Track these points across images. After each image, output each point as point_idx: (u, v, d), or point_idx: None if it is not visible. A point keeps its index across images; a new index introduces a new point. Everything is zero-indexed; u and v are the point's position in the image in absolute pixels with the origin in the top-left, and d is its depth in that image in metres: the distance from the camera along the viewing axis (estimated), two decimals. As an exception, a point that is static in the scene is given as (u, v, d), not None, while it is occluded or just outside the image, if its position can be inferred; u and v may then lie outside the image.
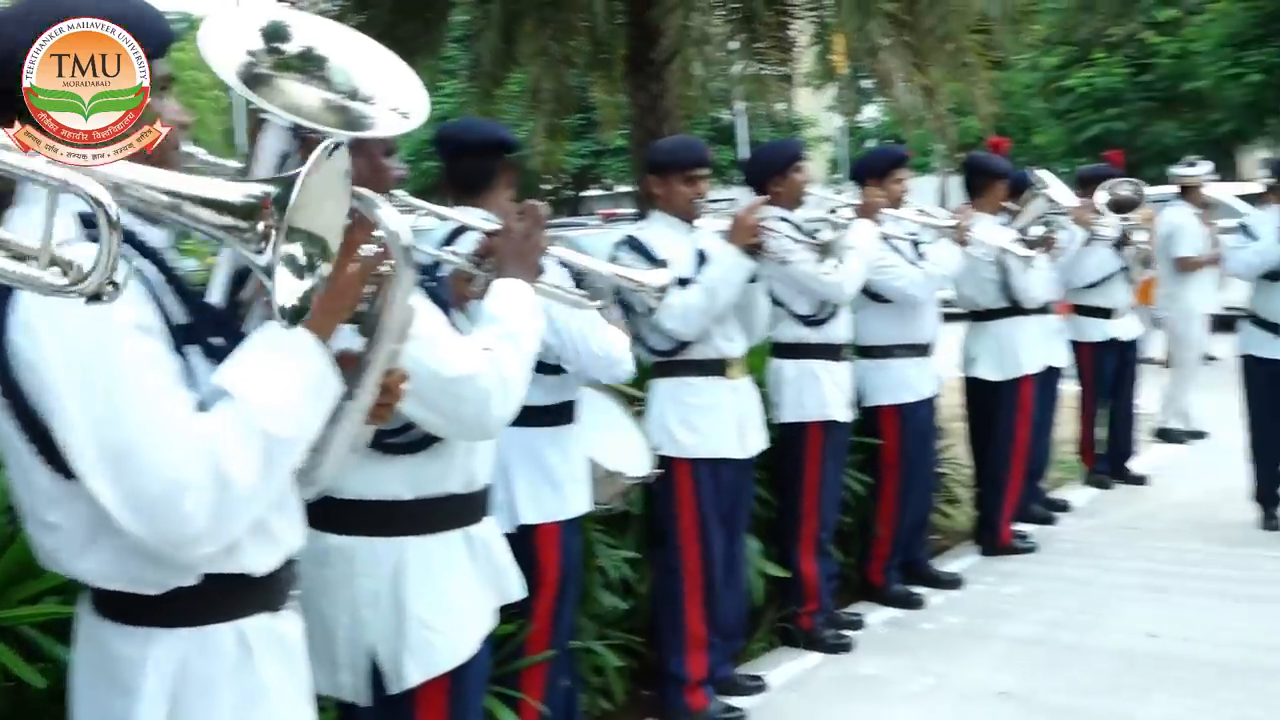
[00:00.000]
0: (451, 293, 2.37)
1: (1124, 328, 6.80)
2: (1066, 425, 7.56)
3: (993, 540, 5.60)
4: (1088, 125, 26.46)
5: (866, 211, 4.41)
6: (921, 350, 4.92)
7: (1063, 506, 6.50)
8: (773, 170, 4.32)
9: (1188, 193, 7.98)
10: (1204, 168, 8.08)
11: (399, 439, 2.12)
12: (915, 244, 4.89)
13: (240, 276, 1.67)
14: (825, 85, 13.05)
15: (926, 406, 4.96)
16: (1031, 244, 5.26)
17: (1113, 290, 6.66)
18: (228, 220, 1.37)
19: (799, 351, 4.27)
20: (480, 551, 2.27)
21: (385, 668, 2.11)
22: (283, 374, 1.48)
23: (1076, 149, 27.09)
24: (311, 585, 1.96)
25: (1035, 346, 5.47)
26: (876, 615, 4.89)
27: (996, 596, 5.12)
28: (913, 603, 4.93)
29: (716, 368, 3.76)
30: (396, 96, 1.78)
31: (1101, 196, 6.68)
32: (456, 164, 2.89)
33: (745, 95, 10.26)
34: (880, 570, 4.98)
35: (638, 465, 3.35)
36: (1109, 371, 6.83)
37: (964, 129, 26.48)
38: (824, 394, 4.26)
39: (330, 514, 2.07)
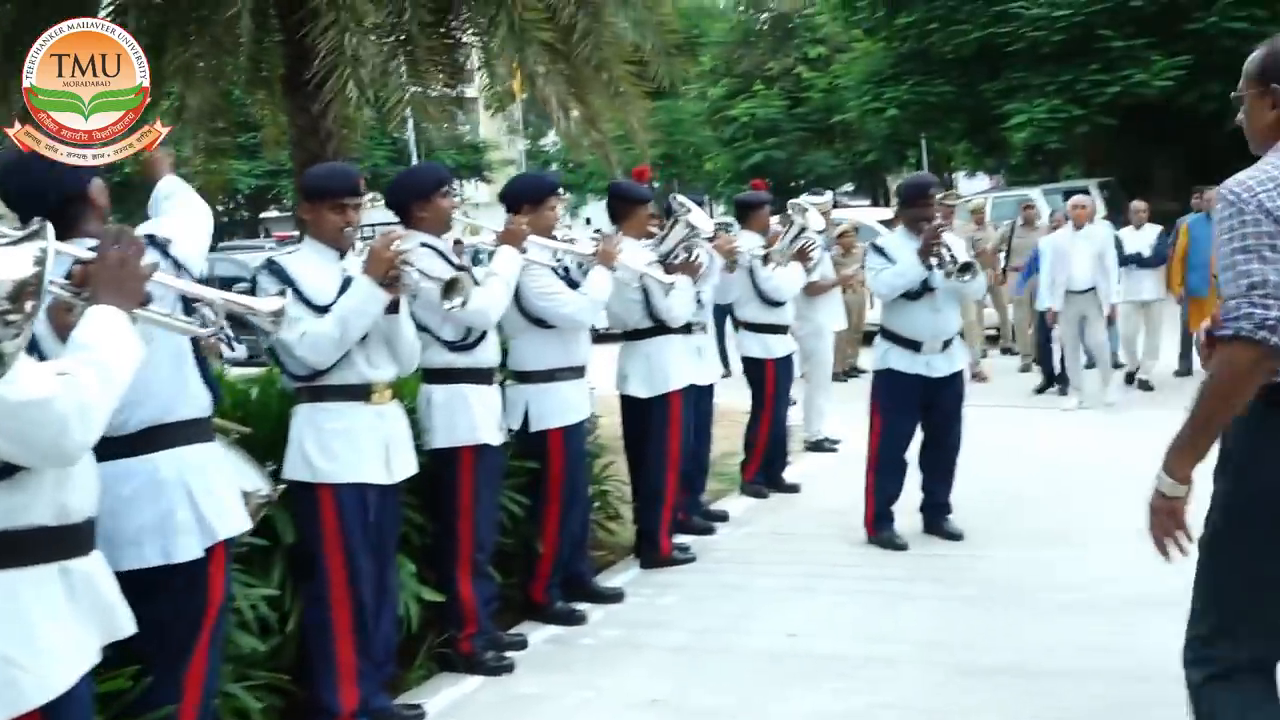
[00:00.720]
0: (52, 321, 2.32)
1: (789, 344, 7.30)
2: (730, 439, 8.02)
3: (653, 553, 5.77)
4: (751, 153, 28.03)
5: (510, 239, 4.47)
6: (580, 372, 5.03)
7: (721, 517, 6.80)
8: (416, 195, 4.32)
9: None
10: (827, 196, 8.78)
11: (-25, 469, 2.00)
12: (579, 267, 5.01)
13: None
14: (504, 109, 13.20)
15: (582, 427, 5.08)
16: (673, 267, 5.49)
17: (785, 309, 7.17)
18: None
19: (448, 376, 4.27)
20: (80, 586, 2.20)
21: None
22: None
23: (742, 175, 28.65)
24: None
25: (682, 364, 5.68)
26: (539, 634, 4.93)
27: (654, 608, 5.28)
28: (574, 619, 5.01)
29: (359, 392, 3.70)
30: None
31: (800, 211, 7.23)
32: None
33: (416, 118, 10.22)
34: (543, 589, 5.03)
35: (259, 485, 3.29)
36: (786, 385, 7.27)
37: (635, 155, 27.52)
38: (474, 418, 4.27)
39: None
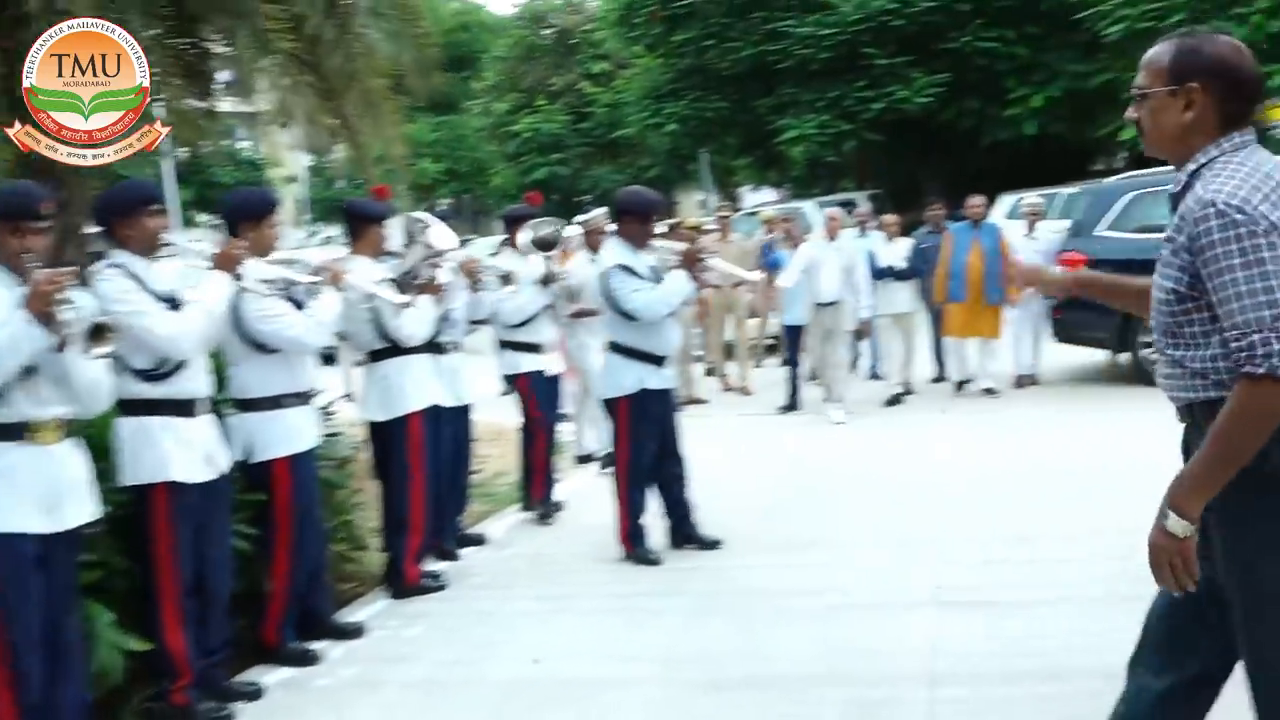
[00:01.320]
0: None
1: (550, 362, 7.12)
2: (506, 458, 7.86)
3: (399, 582, 5.56)
4: (535, 168, 27.98)
5: (224, 262, 4.21)
6: (306, 398, 4.79)
7: (477, 540, 6.63)
8: (119, 213, 3.99)
9: (588, 236, 8.51)
10: (598, 212, 8.70)
11: None
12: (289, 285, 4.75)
13: None
14: (285, 124, 12.70)
15: (312, 454, 4.84)
16: (410, 287, 5.31)
17: (539, 327, 6.99)
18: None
19: (138, 408, 3.96)
20: None
21: None
22: None
23: (526, 189, 28.54)
24: None
25: (422, 385, 5.49)
26: (272, 677, 4.65)
27: (399, 640, 5.08)
28: (308, 660, 4.75)
29: (17, 432, 3.38)
30: None
31: (525, 236, 7.00)
32: None
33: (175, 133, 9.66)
34: (275, 630, 4.76)
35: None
36: (549, 402, 7.12)
37: (420, 171, 27.07)
38: (164, 453, 3.97)
39: None
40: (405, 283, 5.40)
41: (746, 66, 21.88)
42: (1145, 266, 8.71)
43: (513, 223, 7.53)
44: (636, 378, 5.88)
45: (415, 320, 5.30)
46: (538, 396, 6.99)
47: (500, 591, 5.75)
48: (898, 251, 10.66)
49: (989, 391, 10.27)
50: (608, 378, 5.95)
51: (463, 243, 6.94)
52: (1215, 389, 2.46)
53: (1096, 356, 11.01)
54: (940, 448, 8.42)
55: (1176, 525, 2.41)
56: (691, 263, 5.90)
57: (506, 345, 7.01)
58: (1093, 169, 23.10)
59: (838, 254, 9.72)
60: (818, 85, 21.18)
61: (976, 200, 10.27)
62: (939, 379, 10.93)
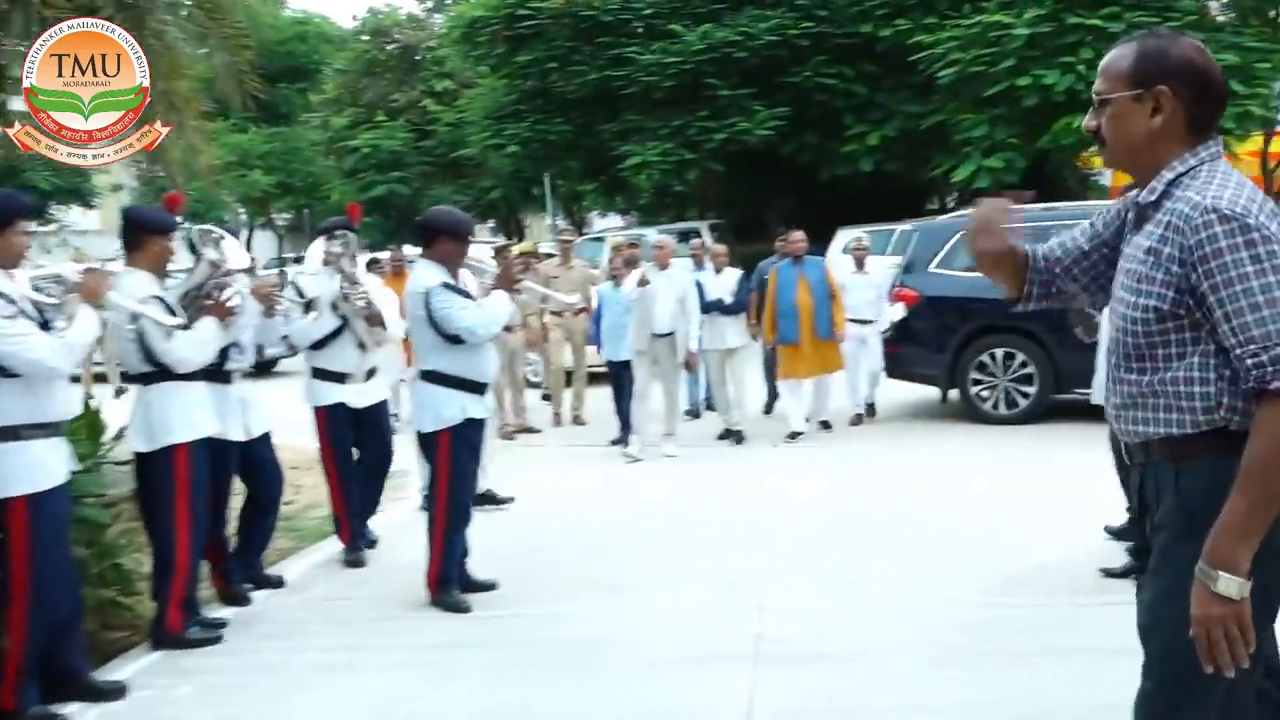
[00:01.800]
0: None
1: (357, 393, 6.45)
2: (320, 489, 7.30)
3: (159, 632, 4.98)
4: (374, 185, 27.18)
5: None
6: (55, 429, 4.21)
7: (276, 582, 6.09)
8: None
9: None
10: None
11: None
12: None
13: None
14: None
15: (63, 491, 4.25)
16: (193, 308, 4.78)
17: (342, 353, 6.40)
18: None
19: None
20: None
21: None
22: None
23: (365, 207, 27.74)
24: None
25: (190, 415, 4.93)
26: (8, 748, 4.06)
27: (164, 701, 4.52)
28: (54, 726, 4.16)
29: None
30: None
31: (317, 250, 6.56)
32: None
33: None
34: (12, 692, 4.15)
35: None
36: (347, 437, 6.53)
37: (250, 182, 26.01)
38: None
39: None
40: (190, 302, 4.86)
41: (591, 91, 21.67)
42: (973, 304, 8.59)
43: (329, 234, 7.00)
44: (459, 407, 5.47)
45: (189, 344, 4.76)
46: (330, 431, 6.42)
47: (288, 642, 5.22)
48: (725, 284, 10.14)
49: (824, 425, 10.16)
50: (425, 409, 5.50)
51: (297, 260, 6.44)
52: (1194, 416, 2.24)
53: (932, 392, 11.02)
54: (773, 484, 8.21)
55: (1229, 585, 2.10)
56: (509, 284, 5.57)
57: (315, 372, 6.48)
58: (929, 208, 23.66)
59: (670, 283, 9.40)
60: (661, 113, 21.09)
61: (796, 235, 9.99)
62: (769, 410, 10.77)
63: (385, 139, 27.53)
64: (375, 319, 6.38)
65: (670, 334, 9.40)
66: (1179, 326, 2.23)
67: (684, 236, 18.90)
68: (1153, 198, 2.32)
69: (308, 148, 28.84)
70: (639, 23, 21.43)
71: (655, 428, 9.60)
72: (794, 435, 9.83)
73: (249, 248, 35.32)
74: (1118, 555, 5.76)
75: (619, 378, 9.86)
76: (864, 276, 10.40)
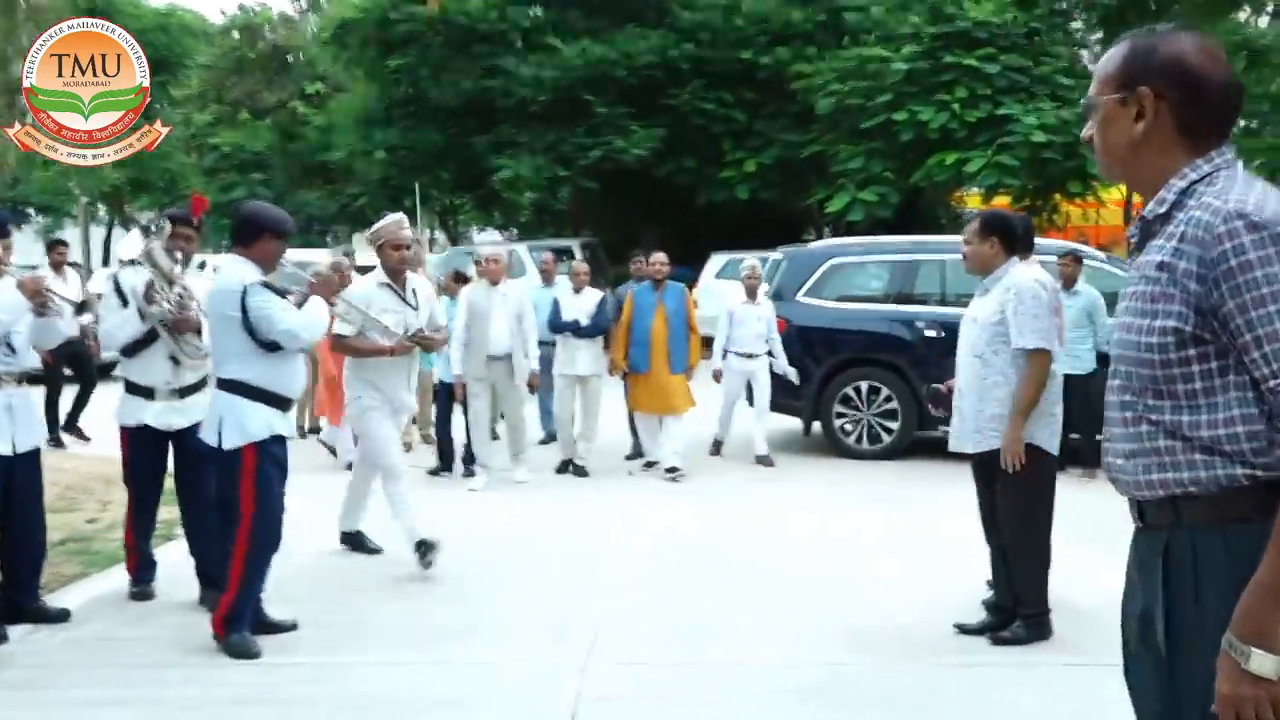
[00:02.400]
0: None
1: (165, 412, 5.55)
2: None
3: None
4: (233, 185, 25.99)
5: None
6: None
7: (59, 616, 5.34)
8: None
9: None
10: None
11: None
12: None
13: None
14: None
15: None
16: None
17: (150, 365, 5.54)
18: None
19: None
20: None
21: None
22: None
23: (223, 208, 26.52)
24: None
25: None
26: None
27: None
28: None
29: None
30: None
31: (127, 247, 5.81)
32: None
33: None
34: None
35: None
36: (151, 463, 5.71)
37: (100, 176, 24.59)
38: None
39: None
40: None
41: (464, 101, 21.01)
42: (839, 335, 8.14)
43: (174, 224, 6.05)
44: (265, 422, 4.87)
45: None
46: (131, 455, 5.66)
47: (32, 693, 4.49)
48: (583, 305, 9.35)
49: (671, 472, 9.03)
50: (226, 423, 4.85)
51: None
52: (1229, 466, 1.82)
53: (796, 424, 10.62)
54: (624, 518, 7.67)
55: (1264, 663, 1.74)
56: (328, 293, 5.01)
57: (126, 385, 5.69)
58: (804, 237, 23.56)
59: (504, 301, 8.65)
60: (536, 128, 20.55)
61: (658, 257, 9.26)
62: (634, 455, 9.70)
63: (249, 139, 26.33)
64: (187, 326, 5.48)
65: (507, 355, 8.65)
66: (1203, 355, 1.84)
67: (559, 254, 18.40)
68: (1162, 209, 1.96)
69: (165, 143, 27.46)
70: (516, 34, 20.86)
71: (502, 458, 8.98)
72: (650, 464, 9.28)
73: (107, 246, 33.62)
74: (974, 609, 5.36)
75: (444, 401, 9.25)
76: (753, 307, 9.54)
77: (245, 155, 26.13)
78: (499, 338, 8.59)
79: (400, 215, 6.67)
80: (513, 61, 20.28)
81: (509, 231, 33.77)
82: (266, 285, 4.89)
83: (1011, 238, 5.11)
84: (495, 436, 9.53)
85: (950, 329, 9.65)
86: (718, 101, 20.43)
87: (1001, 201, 19.15)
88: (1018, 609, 5.06)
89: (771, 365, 9.55)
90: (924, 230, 16.63)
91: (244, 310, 4.78)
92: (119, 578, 6.12)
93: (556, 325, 9.20)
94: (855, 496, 8.35)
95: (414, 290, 6.51)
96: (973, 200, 22.51)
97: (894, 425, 9.86)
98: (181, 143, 28.37)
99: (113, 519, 7.68)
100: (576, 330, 9.24)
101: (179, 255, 5.47)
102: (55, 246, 10.86)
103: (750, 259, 10.22)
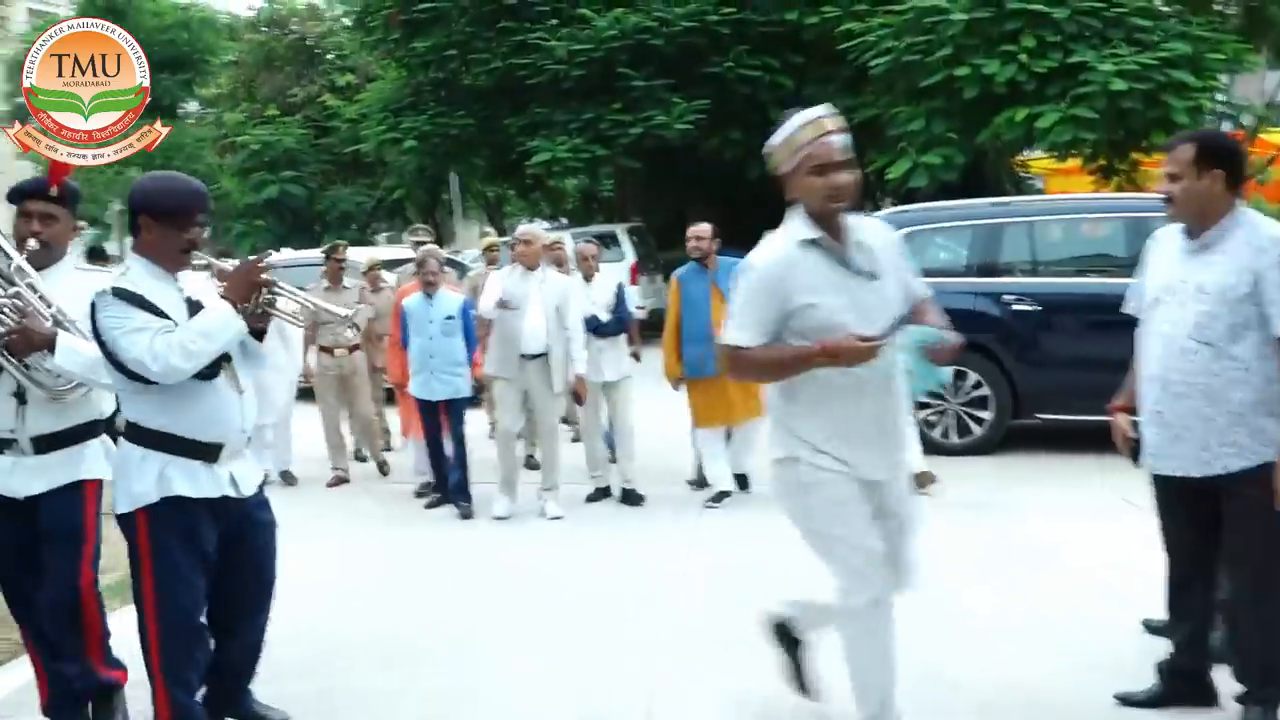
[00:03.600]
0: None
1: (10, 472, 4.00)
2: None
3: None
4: (265, 184, 25.09)
5: None
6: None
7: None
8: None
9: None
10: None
11: None
12: None
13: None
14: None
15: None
16: None
17: None
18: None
19: None
20: None
21: None
22: None
23: (256, 210, 25.75)
24: None
25: None
26: None
27: None
28: None
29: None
30: None
31: None
32: None
33: None
34: None
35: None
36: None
37: (127, 180, 23.80)
38: None
39: None
40: None
41: (494, 81, 19.90)
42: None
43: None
44: (155, 478, 3.56)
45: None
46: None
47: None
48: (598, 295, 7.89)
49: (741, 483, 7.62)
50: (117, 481, 3.69)
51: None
52: None
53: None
54: (679, 562, 6.51)
55: None
56: (243, 293, 3.61)
57: None
58: (863, 208, 22.20)
59: (540, 289, 7.33)
60: (571, 106, 19.38)
61: (700, 230, 7.66)
62: (699, 483, 7.95)
63: (280, 135, 25.43)
64: (25, 344, 3.83)
65: (543, 354, 7.32)
66: None
67: (603, 241, 17.27)
68: None
69: (192, 144, 26.67)
70: (545, 6, 19.67)
71: (508, 487, 7.59)
72: (720, 497, 7.51)
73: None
74: (1126, 666, 4.15)
75: (431, 424, 7.77)
76: None
77: (274, 153, 25.21)
78: (534, 332, 7.28)
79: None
80: (542, 35, 19.11)
81: (557, 221, 32.74)
82: (123, 294, 3.50)
83: (1239, 171, 3.73)
84: (531, 462, 8.41)
85: (1043, 301, 8.52)
86: (763, 67, 19.14)
87: (1072, 164, 17.72)
88: (1253, 686, 3.73)
89: None
90: (990, 195, 15.31)
91: (95, 330, 3.53)
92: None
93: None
94: (940, 502, 7.15)
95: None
96: (1039, 163, 21.04)
97: (985, 415, 8.63)
98: (213, 143, 27.62)
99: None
100: (595, 328, 7.74)
101: (34, 243, 3.89)
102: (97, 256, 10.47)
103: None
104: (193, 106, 31.73)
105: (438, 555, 6.63)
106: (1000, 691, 4.14)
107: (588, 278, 8.01)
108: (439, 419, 7.70)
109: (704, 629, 5.05)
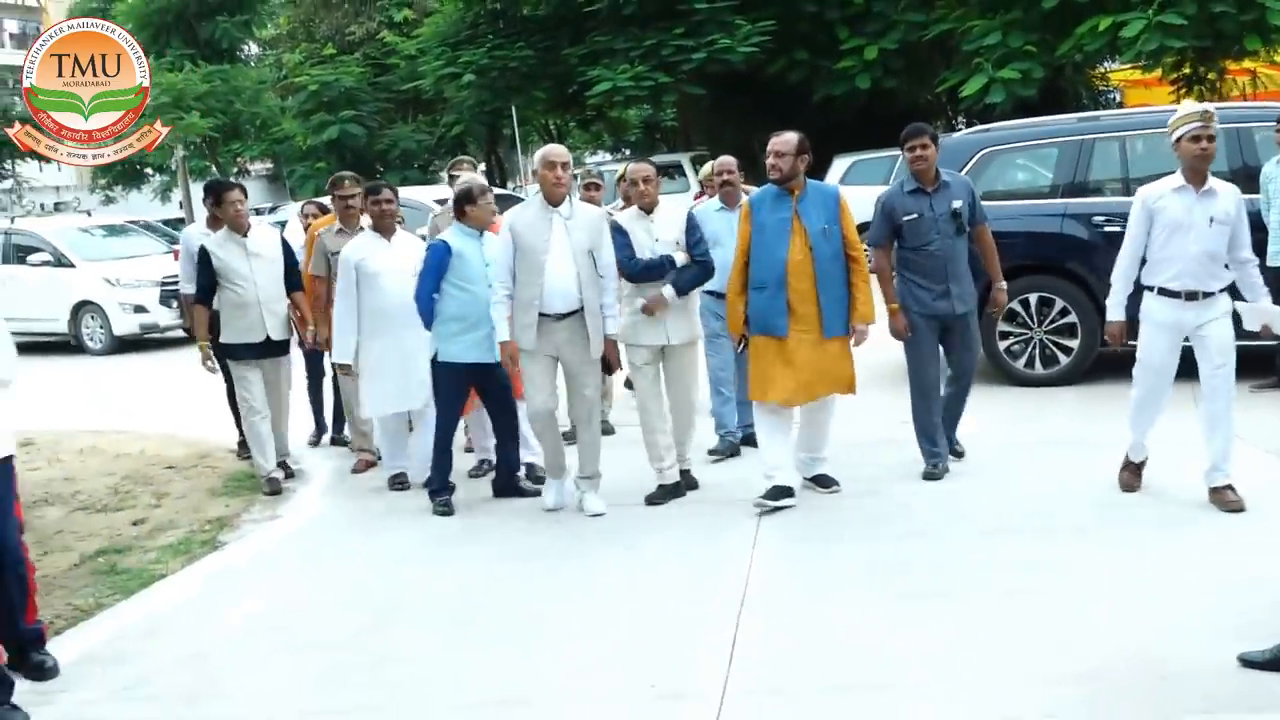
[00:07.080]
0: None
1: None
2: None
3: None
4: (325, 126, 24.90)
5: None
6: None
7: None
8: None
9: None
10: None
11: None
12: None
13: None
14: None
15: None
16: None
17: None
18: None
19: None
20: None
21: None
22: None
23: (316, 151, 25.58)
24: None
25: None
26: None
27: None
28: None
29: None
30: None
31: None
32: None
33: None
34: None
35: None
36: None
37: (189, 125, 23.73)
38: None
39: None
40: None
41: (553, 9, 19.42)
42: (1002, 238, 5.65)
43: None
44: None
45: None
46: None
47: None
48: (663, 232, 6.25)
49: (823, 484, 6.11)
50: None
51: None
52: None
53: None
54: (723, 586, 5.05)
55: None
56: None
57: None
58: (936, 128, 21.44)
59: (568, 230, 5.87)
60: (632, 32, 18.84)
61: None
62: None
63: (338, 75, 25.17)
64: None
65: (576, 312, 5.85)
66: None
67: (666, 172, 16.85)
68: None
69: (252, 86, 26.56)
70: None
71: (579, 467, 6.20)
72: (778, 494, 5.80)
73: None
74: (1255, 627, 3.77)
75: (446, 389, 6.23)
76: None
77: (333, 93, 24.97)
78: (560, 286, 5.79)
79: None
80: (601, -42, 18.55)
81: (621, 152, 32.22)
82: None
83: None
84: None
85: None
86: (830, -15, 18.45)
87: (1153, 75, 16.78)
88: None
89: None
90: (1068, 110, 14.59)
91: None
92: (142, 609, 5.18)
93: (630, 270, 6.16)
94: (1029, 438, 6.72)
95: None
96: (1118, 74, 20.05)
97: (1072, 343, 8.16)
98: (273, 85, 27.49)
99: (163, 518, 6.73)
100: (653, 272, 6.15)
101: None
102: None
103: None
104: (253, 50, 31.62)
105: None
106: (1101, 656, 3.80)
107: (648, 210, 6.29)
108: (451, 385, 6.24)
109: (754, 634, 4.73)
